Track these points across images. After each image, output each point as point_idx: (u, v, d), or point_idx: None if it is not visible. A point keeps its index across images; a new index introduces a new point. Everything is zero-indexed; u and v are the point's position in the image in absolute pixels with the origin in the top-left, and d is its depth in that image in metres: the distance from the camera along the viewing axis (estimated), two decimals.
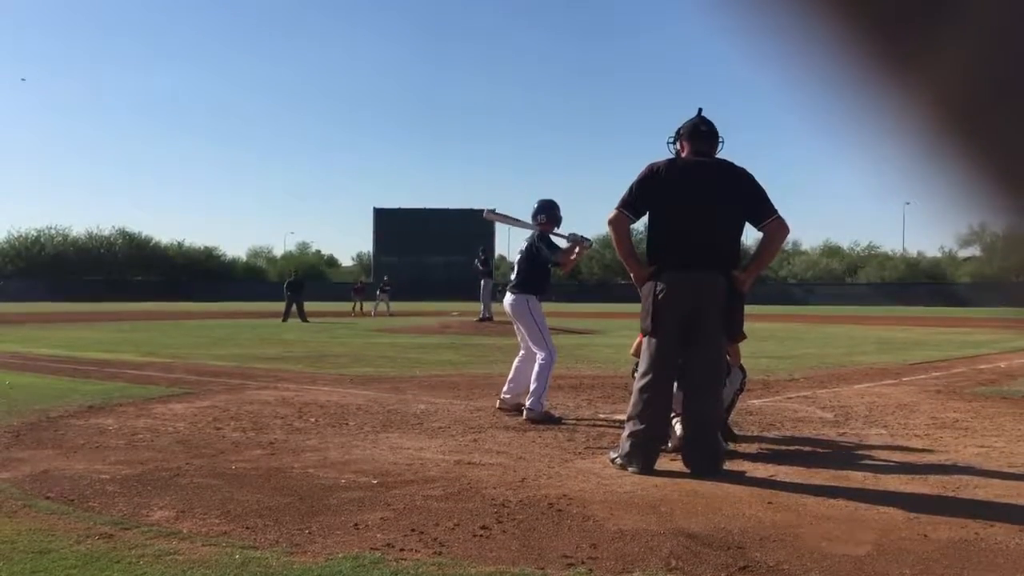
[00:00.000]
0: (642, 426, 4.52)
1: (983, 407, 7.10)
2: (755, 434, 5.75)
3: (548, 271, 6.84)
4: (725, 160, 4.74)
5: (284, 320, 24.94)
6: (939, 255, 74.96)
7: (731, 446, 5.11)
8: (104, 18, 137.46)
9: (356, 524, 3.46)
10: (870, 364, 11.44)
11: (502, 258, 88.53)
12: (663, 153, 4.87)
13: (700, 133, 4.73)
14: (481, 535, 3.33)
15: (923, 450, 5.20)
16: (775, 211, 4.64)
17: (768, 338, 17.32)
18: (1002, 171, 0.76)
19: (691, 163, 4.69)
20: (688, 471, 4.49)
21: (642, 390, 4.60)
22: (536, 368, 6.39)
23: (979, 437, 5.63)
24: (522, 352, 6.76)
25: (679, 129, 4.81)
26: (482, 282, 23.02)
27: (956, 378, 9.60)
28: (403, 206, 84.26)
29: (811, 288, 70.50)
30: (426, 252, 79.11)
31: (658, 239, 4.65)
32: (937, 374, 10.10)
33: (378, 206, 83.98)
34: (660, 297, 4.53)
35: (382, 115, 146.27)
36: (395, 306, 34.15)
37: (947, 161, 0.75)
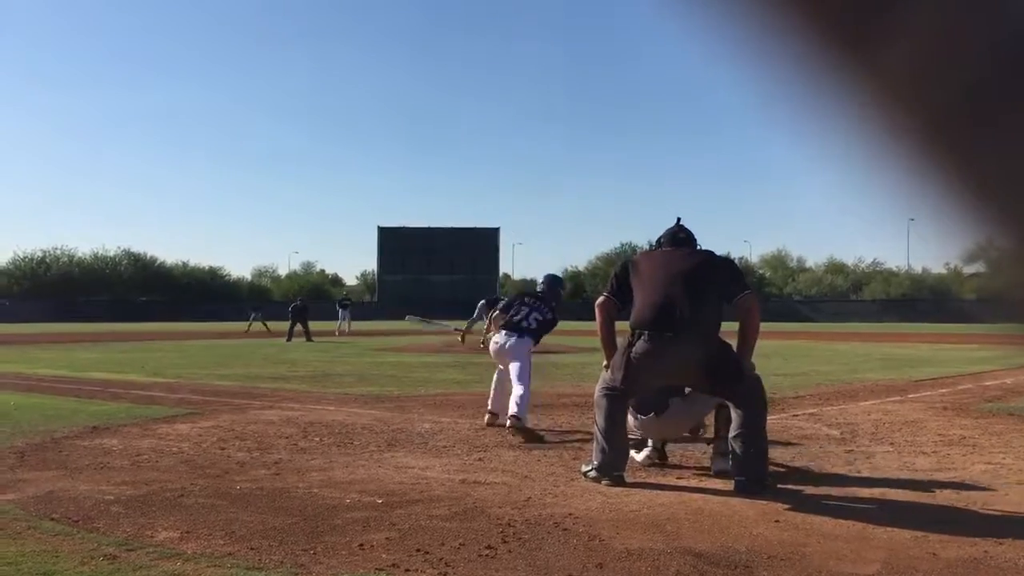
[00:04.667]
0: (607, 440, 4.77)
1: (990, 424, 7.06)
2: None
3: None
4: (700, 249, 5.17)
5: (288, 340, 24.97)
6: (944, 271, 74.87)
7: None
8: (109, 39, 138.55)
9: (361, 544, 3.45)
10: (876, 381, 11.41)
11: (507, 276, 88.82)
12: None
13: (679, 240, 5.14)
14: (487, 555, 3.31)
15: (931, 467, 5.17)
16: (747, 287, 4.96)
17: (773, 355, 17.27)
18: (982, 183, 0.76)
19: (663, 250, 5.14)
20: (733, 489, 4.52)
21: (603, 407, 4.88)
22: (521, 387, 6.68)
23: (987, 454, 5.60)
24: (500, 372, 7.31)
25: (659, 238, 5.24)
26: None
27: (962, 395, 9.56)
28: (407, 225, 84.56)
29: (816, 305, 70.45)
30: (430, 271, 79.27)
31: (637, 308, 4.90)
32: (943, 391, 10.06)
33: (382, 225, 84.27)
34: (633, 357, 4.77)
35: (386, 134, 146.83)
36: (400, 325, 34.07)
37: (928, 177, 0.76)
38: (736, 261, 5.83)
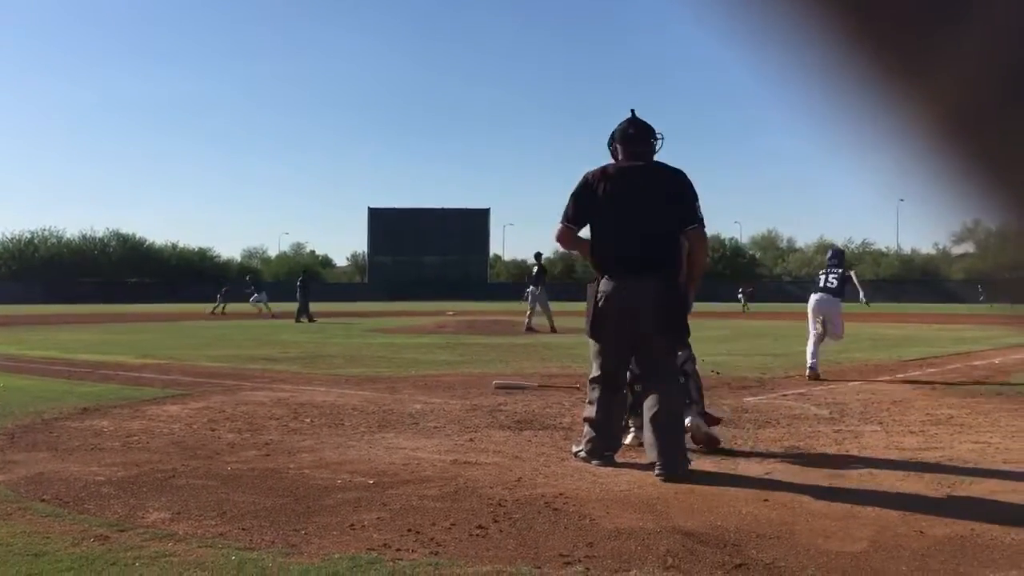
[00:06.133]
0: (598, 422, 4.69)
1: (978, 403, 7.11)
2: (750, 432, 5.75)
3: None
4: (658, 163, 4.77)
5: (297, 320, 24.85)
6: (933, 252, 75.38)
7: (716, 431, 5.17)
8: (99, 22, 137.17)
9: (352, 524, 3.46)
10: (864, 361, 11.47)
11: (497, 257, 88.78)
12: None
13: (629, 137, 4.78)
14: (478, 534, 3.33)
15: (918, 447, 5.21)
16: (697, 219, 4.68)
17: (763, 335, 17.37)
18: (1000, 170, 0.76)
19: (621, 169, 4.73)
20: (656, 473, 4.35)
21: (593, 388, 4.80)
22: (837, 336, 9.80)
23: (974, 433, 5.64)
24: (817, 333, 9.54)
25: (613, 133, 4.87)
26: (531, 290, 20.08)
27: (950, 374, 9.63)
28: (398, 206, 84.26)
29: (805, 286, 70.61)
30: (421, 252, 79.12)
31: (596, 247, 4.74)
32: (932, 370, 10.13)
33: (373, 206, 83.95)
34: (600, 303, 4.64)
35: (377, 115, 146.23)
36: (390, 306, 34.02)
37: (945, 159, 0.75)
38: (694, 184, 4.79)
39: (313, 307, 26.39)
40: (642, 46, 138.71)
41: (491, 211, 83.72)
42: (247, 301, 31.87)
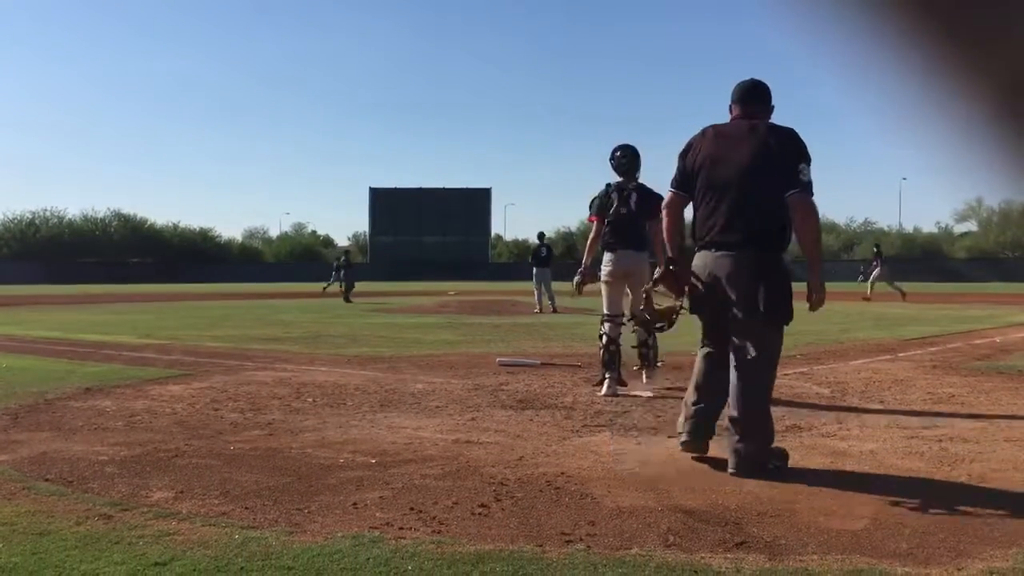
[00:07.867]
0: (693, 398, 4.28)
1: (979, 382, 7.12)
2: None
3: None
4: (764, 121, 4.21)
5: (347, 300, 24.86)
6: (935, 230, 75.36)
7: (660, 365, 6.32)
8: (99, 2, 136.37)
9: (355, 503, 3.48)
10: (866, 340, 11.47)
11: (499, 237, 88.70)
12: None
13: (753, 96, 4.28)
14: (480, 513, 3.34)
15: (919, 425, 5.22)
16: (798, 183, 4.01)
17: None
18: None
19: (719, 129, 4.25)
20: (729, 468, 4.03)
21: (698, 361, 4.37)
22: None
23: (975, 412, 5.65)
24: None
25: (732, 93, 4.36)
26: (536, 271, 19.90)
27: (952, 353, 9.63)
28: (399, 185, 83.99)
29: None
30: (422, 231, 78.94)
31: (695, 216, 4.28)
32: (933, 349, 10.12)
33: (374, 185, 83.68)
34: (694, 277, 4.24)
35: (377, 94, 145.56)
36: (392, 286, 33.90)
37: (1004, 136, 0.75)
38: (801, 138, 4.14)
39: (314, 285, 26.26)
40: (643, 24, 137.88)
41: (492, 190, 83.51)
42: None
